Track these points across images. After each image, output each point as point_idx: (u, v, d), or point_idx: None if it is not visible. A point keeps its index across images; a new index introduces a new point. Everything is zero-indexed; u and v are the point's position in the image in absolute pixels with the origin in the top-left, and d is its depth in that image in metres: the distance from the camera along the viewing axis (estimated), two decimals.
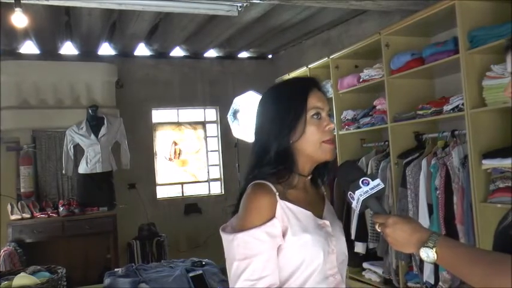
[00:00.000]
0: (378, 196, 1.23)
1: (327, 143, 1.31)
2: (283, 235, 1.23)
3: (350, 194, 1.24)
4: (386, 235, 1.18)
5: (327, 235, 1.30)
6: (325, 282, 1.27)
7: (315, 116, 1.31)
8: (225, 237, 1.25)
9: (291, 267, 1.24)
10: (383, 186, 1.23)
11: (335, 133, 4.28)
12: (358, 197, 1.22)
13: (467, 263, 1.06)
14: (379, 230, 1.21)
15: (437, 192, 3.10)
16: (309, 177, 1.39)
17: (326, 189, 1.50)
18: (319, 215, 1.35)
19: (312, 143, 1.31)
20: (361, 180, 1.23)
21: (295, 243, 1.23)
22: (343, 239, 1.39)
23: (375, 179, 1.24)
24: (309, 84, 1.36)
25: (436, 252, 1.09)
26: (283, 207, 1.25)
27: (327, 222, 1.33)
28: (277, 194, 1.26)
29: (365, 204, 1.22)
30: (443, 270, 3.04)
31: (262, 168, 1.31)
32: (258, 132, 1.37)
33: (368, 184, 1.22)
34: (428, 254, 1.10)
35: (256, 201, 1.25)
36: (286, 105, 1.32)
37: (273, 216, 1.23)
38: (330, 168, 1.43)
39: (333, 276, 1.29)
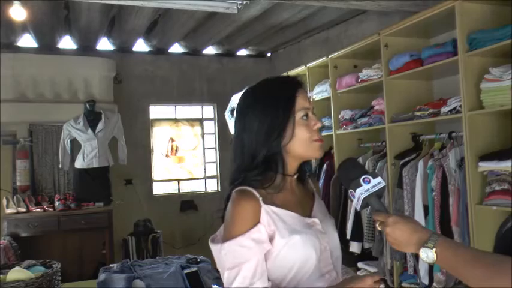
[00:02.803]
0: (379, 194, 1.23)
1: (316, 141, 1.31)
2: (271, 239, 1.23)
3: (351, 191, 1.24)
4: (386, 234, 1.18)
5: (317, 233, 1.29)
6: (321, 280, 1.27)
7: (304, 117, 1.30)
8: (214, 248, 1.25)
9: (284, 270, 1.23)
10: (384, 184, 1.23)
11: (332, 132, 4.28)
12: (358, 195, 1.22)
13: (466, 264, 1.06)
14: (379, 229, 1.21)
15: (434, 193, 3.11)
16: (295, 176, 1.38)
17: (315, 184, 1.48)
18: (307, 214, 1.34)
19: (302, 143, 1.30)
20: (362, 178, 1.22)
21: (285, 246, 1.22)
22: (336, 234, 1.38)
23: (376, 177, 1.23)
24: (295, 85, 1.34)
25: (435, 252, 1.09)
26: (268, 211, 1.24)
27: (316, 220, 1.32)
28: (260, 198, 1.24)
29: (366, 202, 1.22)
30: (438, 271, 3.05)
31: (249, 172, 1.28)
32: (242, 134, 1.33)
33: (369, 182, 1.22)
34: (428, 255, 1.10)
35: (239, 208, 1.23)
36: (274, 108, 1.29)
37: (257, 222, 1.22)
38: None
39: (328, 273, 1.29)
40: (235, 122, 1.38)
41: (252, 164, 1.29)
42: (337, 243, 1.37)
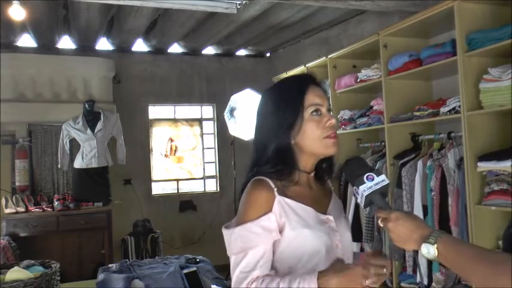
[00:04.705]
0: (383, 192, 1.24)
1: (329, 137, 1.32)
2: (281, 230, 1.25)
3: (355, 188, 1.25)
4: (388, 230, 1.19)
5: (329, 230, 1.30)
6: None
7: (314, 113, 1.32)
8: (225, 233, 1.28)
9: (291, 262, 1.25)
10: (388, 182, 1.24)
11: None
12: (362, 192, 1.23)
13: (468, 261, 1.06)
14: (381, 225, 1.21)
15: (433, 193, 3.11)
16: (312, 174, 1.39)
17: (334, 184, 1.50)
18: (323, 210, 1.35)
19: (313, 139, 1.31)
20: (366, 175, 1.24)
21: (295, 239, 1.25)
22: (349, 234, 1.39)
23: (379, 175, 1.24)
24: (307, 81, 1.36)
25: (437, 248, 1.09)
26: (281, 202, 1.26)
27: (331, 218, 1.34)
28: (275, 189, 1.27)
29: (369, 199, 1.23)
30: (437, 271, 3.06)
31: (262, 167, 1.32)
32: (257, 131, 1.38)
33: (373, 180, 1.23)
34: (429, 250, 1.10)
35: (253, 196, 1.27)
36: (284, 103, 1.33)
37: (269, 211, 1.25)
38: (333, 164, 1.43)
39: None
40: (255, 122, 1.42)
41: (264, 157, 1.32)
42: (350, 243, 1.39)
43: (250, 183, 1.30)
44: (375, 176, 1.24)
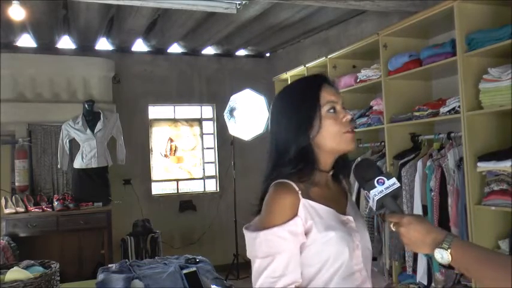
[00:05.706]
0: (394, 195, 1.23)
1: (348, 132, 1.32)
2: (307, 233, 1.25)
3: (366, 193, 1.25)
4: (400, 235, 1.19)
5: (350, 231, 1.31)
6: (352, 278, 1.28)
7: (331, 111, 1.33)
8: (248, 235, 1.27)
9: (317, 265, 1.25)
10: (398, 185, 1.23)
11: None
12: (373, 196, 1.22)
13: (481, 266, 1.07)
14: (393, 230, 1.21)
15: (432, 193, 3.11)
16: (331, 173, 1.39)
17: (348, 184, 1.50)
18: (342, 211, 1.35)
19: (333, 135, 1.31)
20: (376, 179, 1.23)
21: (320, 241, 1.24)
22: (367, 234, 1.39)
23: (390, 178, 1.23)
24: (320, 81, 1.37)
25: (450, 253, 1.09)
26: (305, 205, 1.26)
27: (351, 218, 1.34)
28: (299, 192, 1.26)
29: (381, 203, 1.22)
30: (437, 271, 3.05)
31: (283, 168, 1.31)
32: (275, 132, 1.38)
33: (383, 183, 1.22)
34: (442, 256, 1.10)
35: (278, 200, 1.26)
36: (300, 103, 1.33)
37: (295, 215, 1.24)
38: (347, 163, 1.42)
39: (359, 272, 1.30)
40: (270, 122, 1.42)
41: (284, 159, 1.32)
42: (369, 242, 1.39)
43: (274, 186, 1.29)
44: (385, 179, 1.22)
